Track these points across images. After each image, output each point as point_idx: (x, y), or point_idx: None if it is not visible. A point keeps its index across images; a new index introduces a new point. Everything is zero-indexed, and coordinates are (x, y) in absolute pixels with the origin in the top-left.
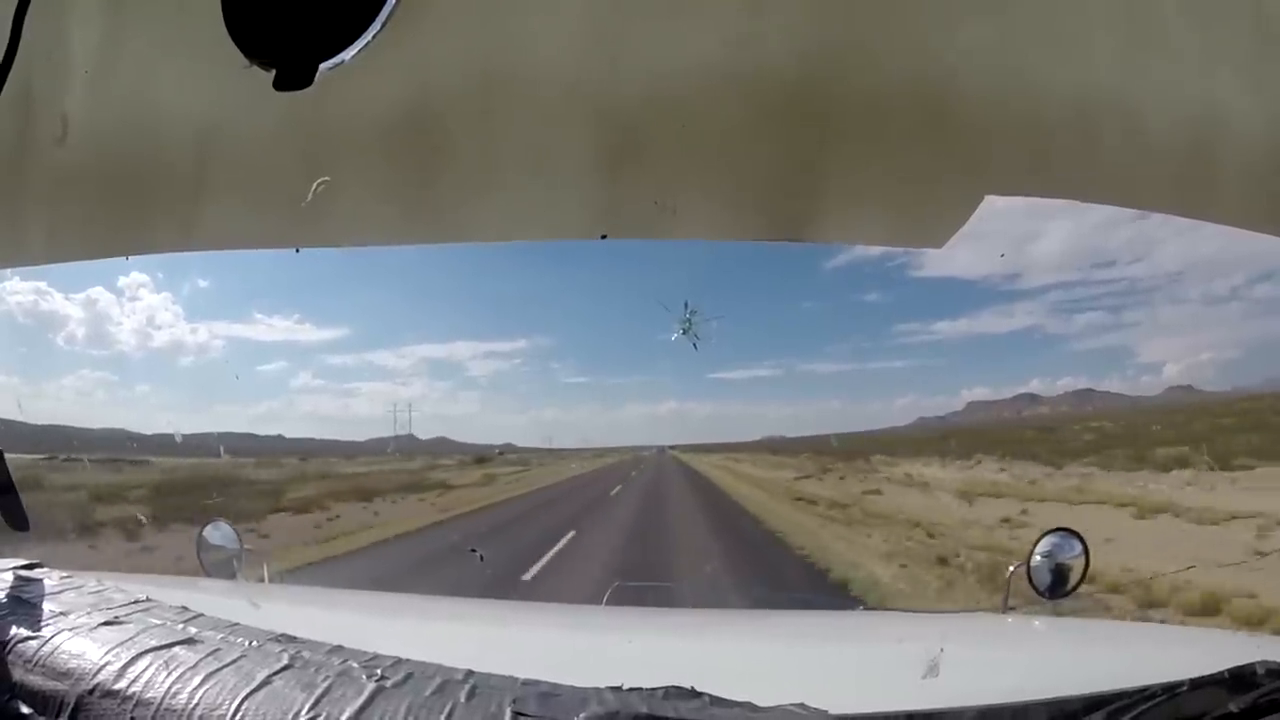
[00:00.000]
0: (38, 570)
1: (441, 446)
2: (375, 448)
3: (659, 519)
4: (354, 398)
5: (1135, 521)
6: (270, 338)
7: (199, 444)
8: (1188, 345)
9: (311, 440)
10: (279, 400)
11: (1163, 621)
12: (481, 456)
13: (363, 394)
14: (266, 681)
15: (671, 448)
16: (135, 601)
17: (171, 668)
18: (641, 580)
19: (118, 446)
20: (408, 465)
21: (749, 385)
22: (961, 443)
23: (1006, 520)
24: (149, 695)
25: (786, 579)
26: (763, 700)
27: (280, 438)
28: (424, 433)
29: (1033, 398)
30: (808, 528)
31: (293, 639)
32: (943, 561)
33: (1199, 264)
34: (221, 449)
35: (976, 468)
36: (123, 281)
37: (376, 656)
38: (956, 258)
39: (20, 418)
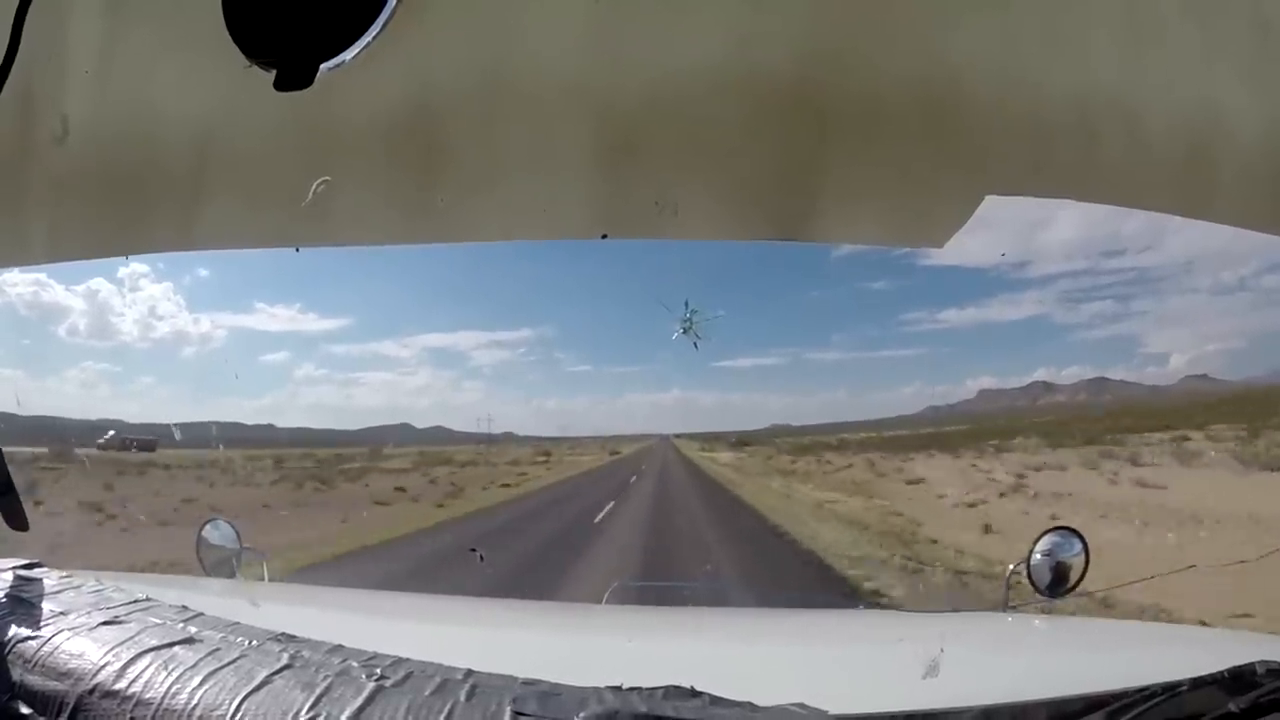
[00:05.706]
0: (37, 570)
1: (440, 435)
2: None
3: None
4: (357, 387)
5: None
6: (275, 328)
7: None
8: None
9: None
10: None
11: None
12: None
13: (365, 384)
14: (266, 681)
15: (676, 436)
16: (135, 601)
17: (171, 667)
18: (643, 579)
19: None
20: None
21: (755, 374)
22: (972, 431)
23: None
24: (149, 695)
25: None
26: (763, 700)
27: (271, 427)
28: (422, 422)
29: (1046, 385)
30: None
31: (292, 638)
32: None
33: (1209, 253)
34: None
35: (988, 457)
36: (123, 272)
37: (376, 656)
38: (964, 248)
39: (19, 411)
